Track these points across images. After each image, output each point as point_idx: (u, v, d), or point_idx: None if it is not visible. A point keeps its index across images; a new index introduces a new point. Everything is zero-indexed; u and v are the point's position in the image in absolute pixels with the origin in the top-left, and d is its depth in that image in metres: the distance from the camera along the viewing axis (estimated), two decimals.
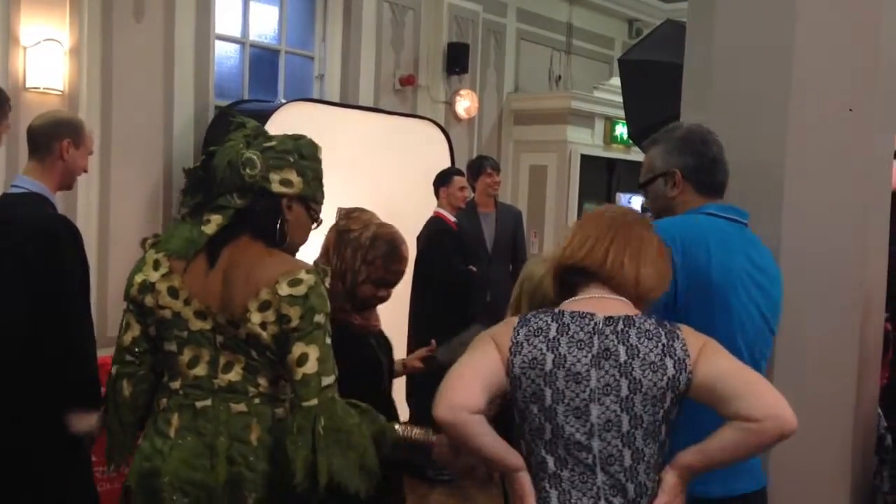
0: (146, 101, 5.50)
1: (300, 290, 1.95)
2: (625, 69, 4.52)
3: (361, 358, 2.43)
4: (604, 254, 1.87)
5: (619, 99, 4.83)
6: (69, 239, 2.82)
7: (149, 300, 2.07)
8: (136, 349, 2.14)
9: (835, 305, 2.48)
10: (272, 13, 6.64)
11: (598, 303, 1.86)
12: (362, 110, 6.28)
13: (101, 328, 3.55)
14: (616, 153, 8.41)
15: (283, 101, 6.09)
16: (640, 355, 1.77)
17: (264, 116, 5.37)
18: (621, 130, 8.03)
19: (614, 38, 9.45)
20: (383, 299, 2.48)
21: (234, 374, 2.01)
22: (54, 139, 2.88)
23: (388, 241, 2.44)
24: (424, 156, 6.15)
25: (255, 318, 1.96)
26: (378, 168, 5.75)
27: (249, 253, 2.03)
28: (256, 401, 2.02)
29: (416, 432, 2.19)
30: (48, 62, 4.85)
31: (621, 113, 5.31)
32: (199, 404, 2.03)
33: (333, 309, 2.10)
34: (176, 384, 2.07)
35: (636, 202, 8.80)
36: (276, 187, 2.06)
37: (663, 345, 1.78)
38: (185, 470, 2.00)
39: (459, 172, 5.64)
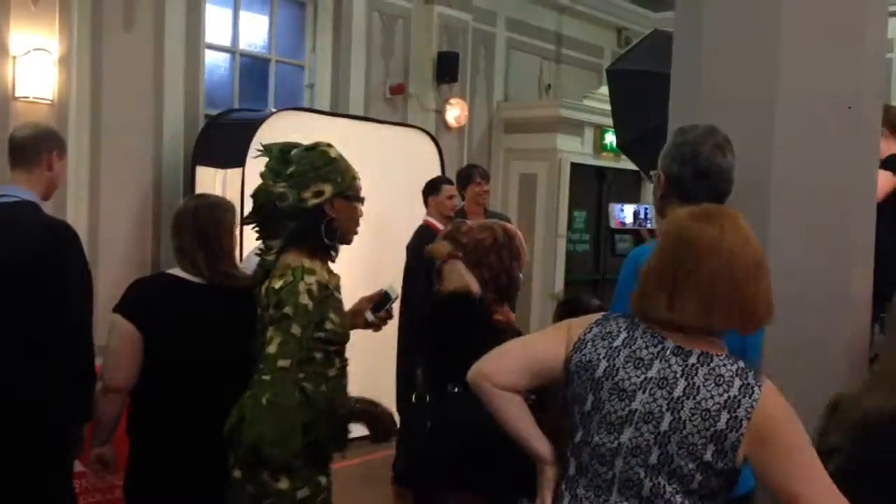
0: (136, 110, 5.50)
1: (278, 284, 2.39)
2: (613, 79, 4.55)
3: None
4: (654, 303, 1.75)
5: (609, 107, 4.85)
6: (72, 244, 2.84)
7: None
8: None
9: (821, 308, 2.49)
10: (262, 22, 6.65)
11: (676, 330, 1.76)
12: (353, 119, 6.28)
13: None
14: (606, 161, 8.43)
15: (274, 110, 6.09)
16: (697, 398, 1.68)
17: (254, 126, 5.37)
18: (611, 139, 8.06)
19: (603, 46, 9.50)
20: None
21: (272, 347, 2.39)
22: (43, 151, 2.90)
23: (513, 232, 2.72)
24: (415, 164, 6.16)
25: (262, 301, 2.45)
26: (368, 177, 5.70)
27: (287, 256, 2.46)
28: (283, 374, 2.38)
29: (361, 404, 2.54)
30: (37, 71, 4.85)
31: (611, 121, 5.33)
32: (261, 366, 2.41)
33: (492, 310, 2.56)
34: None
35: (628, 211, 8.81)
36: (312, 201, 2.46)
37: (730, 396, 1.67)
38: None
39: (448, 181, 5.66)
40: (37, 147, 2.90)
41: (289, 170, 2.47)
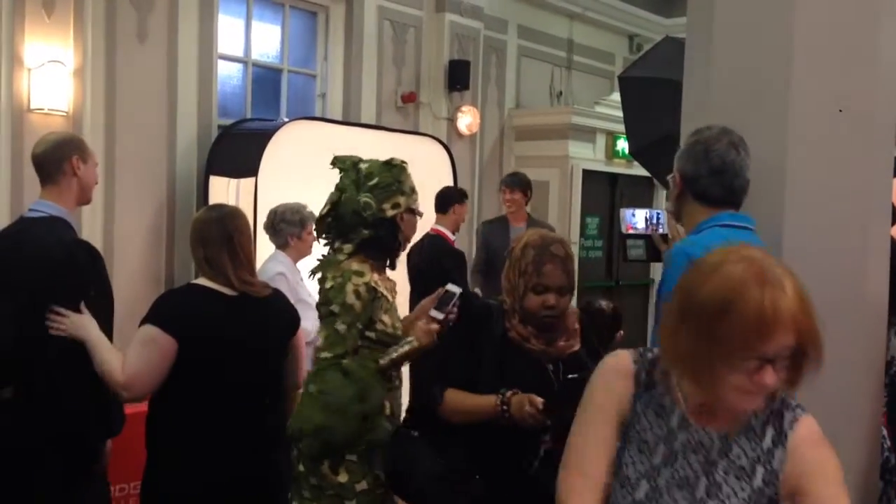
0: (150, 121, 5.54)
1: (329, 283, 2.63)
2: (624, 86, 4.55)
3: (524, 377, 2.40)
4: None
5: (621, 114, 4.85)
6: (91, 263, 2.82)
7: None
8: None
9: (836, 312, 2.47)
10: (274, 32, 6.68)
11: None
12: (364, 128, 6.30)
13: None
14: (618, 168, 8.43)
15: (286, 119, 6.12)
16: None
17: (267, 135, 5.40)
18: (623, 145, 8.05)
19: (615, 53, 9.50)
20: (553, 308, 2.42)
21: (319, 341, 2.64)
22: (63, 160, 2.89)
23: (536, 244, 2.44)
24: (427, 172, 6.14)
25: (317, 299, 2.70)
26: None
27: (351, 261, 2.67)
28: (325, 363, 2.62)
29: (402, 349, 2.63)
30: (52, 83, 4.88)
31: (623, 128, 5.33)
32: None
33: (511, 326, 2.44)
34: None
35: (640, 216, 8.79)
36: (390, 212, 2.70)
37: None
38: None
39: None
40: (55, 159, 2.89)
41: (371, 182, 2.69)
